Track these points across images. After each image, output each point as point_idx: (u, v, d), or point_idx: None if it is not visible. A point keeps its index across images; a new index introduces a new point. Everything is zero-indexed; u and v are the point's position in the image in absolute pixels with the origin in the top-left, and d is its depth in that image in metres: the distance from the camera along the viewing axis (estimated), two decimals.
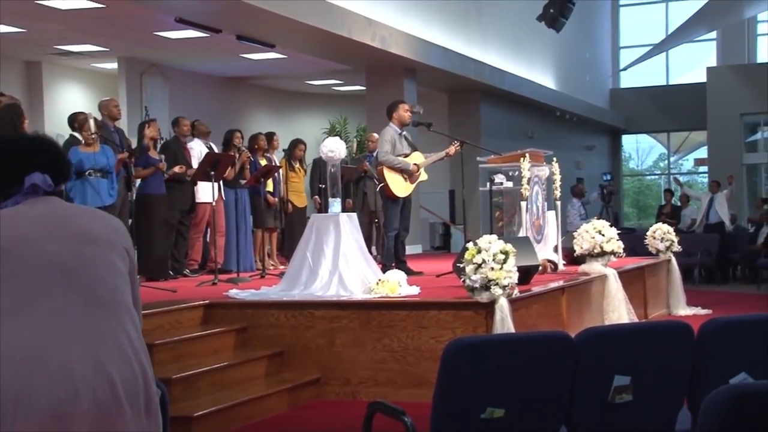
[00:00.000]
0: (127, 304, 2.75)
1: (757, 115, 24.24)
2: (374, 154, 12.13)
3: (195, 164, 10.46)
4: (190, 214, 10.72)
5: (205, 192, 10.66)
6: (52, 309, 2.59)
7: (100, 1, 11.16)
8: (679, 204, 19.77)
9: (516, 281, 6.91)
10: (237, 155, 10.90)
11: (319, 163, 12.01)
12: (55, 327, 2.57)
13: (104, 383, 2.54)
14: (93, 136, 9.15)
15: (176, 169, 10.32)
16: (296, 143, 12.29)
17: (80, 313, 2.62)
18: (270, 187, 11.46)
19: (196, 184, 10.58)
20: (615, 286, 9.60)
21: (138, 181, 9.97)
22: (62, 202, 2.85)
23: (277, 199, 11.64)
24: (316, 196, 11.98)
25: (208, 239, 11.28)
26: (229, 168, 10.46)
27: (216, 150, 11.04)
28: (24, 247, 2.64)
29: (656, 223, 13.02)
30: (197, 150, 10.88)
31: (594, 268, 9.69)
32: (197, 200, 10.77)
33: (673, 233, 12.00)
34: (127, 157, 9.36)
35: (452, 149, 9.93)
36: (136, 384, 2.63)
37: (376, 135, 12.62)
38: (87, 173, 9.01)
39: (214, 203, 10.29)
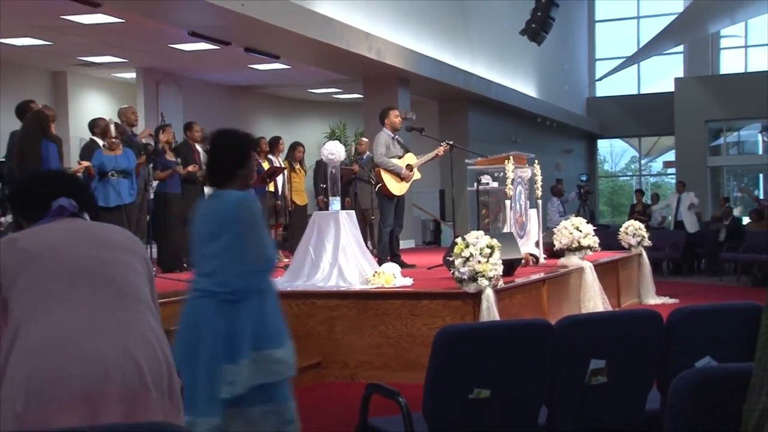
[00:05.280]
0: (147, 300, 2.80)
1: (720, 122, 24.30)
2: (364, 156, 12.13)
3: None
4: None
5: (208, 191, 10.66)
6: (80, 303, 2.64)
7: (120, 17, 11.13)
8: (649, 203, 19.85)
9: (501, 273, 6.93)
10: None
11: (322, 165, 11.99)
12: (84, 318, 2.61)
13: (133, 368, 2.58)
14: (114, 140, 9.17)
15: (190, 168, 10.28)
16: (295, 146, 12.22)
17: (106, 305, 2.66)
18: (272, 187, 11.42)
19: (205, 184, 10.53)
20: (591, 278, 9.61)
21: (155, 182, 9.95)
22: (86, 221, 2.91)
23: (272, 202, 11.51)
24: (321, 197, 11.94)
25: None
26: None
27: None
28: (52, 252, 2.70)
29: (629, 219, 13.03)
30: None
31: (572, 261, 9.71)
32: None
33: (644, 229, 12.02)
34: (144, 161, 9.39)
35: (441, 150, 9.91)
36: (160, 370, 2.66)
37: (365, 139, 12.64)
38: (109, 174, 9.01)
39: None
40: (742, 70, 24.69)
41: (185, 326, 3.87)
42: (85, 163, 9.01)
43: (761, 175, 25.18)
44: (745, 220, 18.90)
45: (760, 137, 24.90)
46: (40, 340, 2.54)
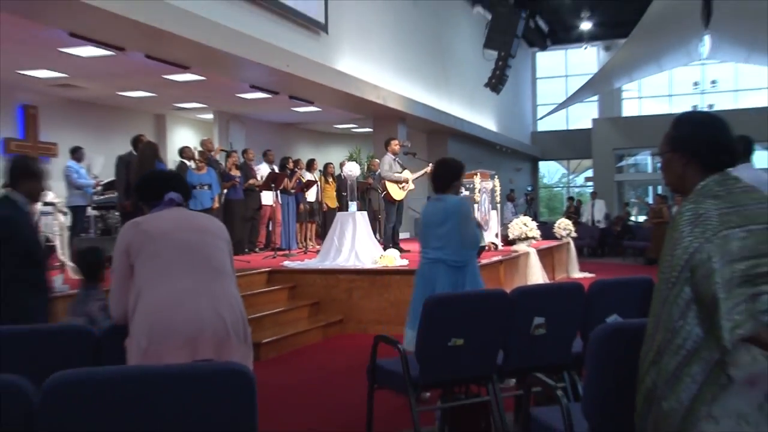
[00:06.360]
0: (230, 272, 2.81)
1: (623, 150, 24.38)
2: (376, 173, 12.11)
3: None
4: (258, 211, 10.74)
5: (267, 198, 10.68)
6: (184, 275, 2.66)
7: (203, 75, 11.15)
8: (576, 205, 19.94)
9: None
10: (289, 173, 10.89)
11: (342, 179, 11.98)
12: (187, 286, 2.64)
13: (221, 323, 2.61)
14: (201, 162, 9.27)
15: (251, 181, 10.40)
16: (327, 165, 12.31)
17: (202, 277, 2.68)
18: (310, 195, 11.42)
19: (262, 192, 10.58)
20: (534, 259, 9.62)
21: (225, 191, 10.01)
22: (188, 210, 2.93)
23: (308, 206, 11.53)
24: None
25: (270, 228, 11.28)
26: (287, 181, 10.49)
27: (276, 170, 11.03)
28: (164, 235, 2.70)
29: (565, 218, 13.10)
30: (263, 170, 10.88)
31: (521, 247, 9.72)
32: (263, 203, 10.79)
33: (572, 225, 12.05)
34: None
35: (429, 168, 9.89)
36: (239, 324, 2.69)
37: (377, 160, 12.61)
38: (196, 187, 9.06)
39: (273, 205, 10.28)
40: (637, 114, 24.83)
41: (422, 279, 4.30)
42: None
43: (650, 187, 25.24)
44: (642, 218, 18.89)
45: (649, 160, 24.99)
46: (156, 301, 2.58)
